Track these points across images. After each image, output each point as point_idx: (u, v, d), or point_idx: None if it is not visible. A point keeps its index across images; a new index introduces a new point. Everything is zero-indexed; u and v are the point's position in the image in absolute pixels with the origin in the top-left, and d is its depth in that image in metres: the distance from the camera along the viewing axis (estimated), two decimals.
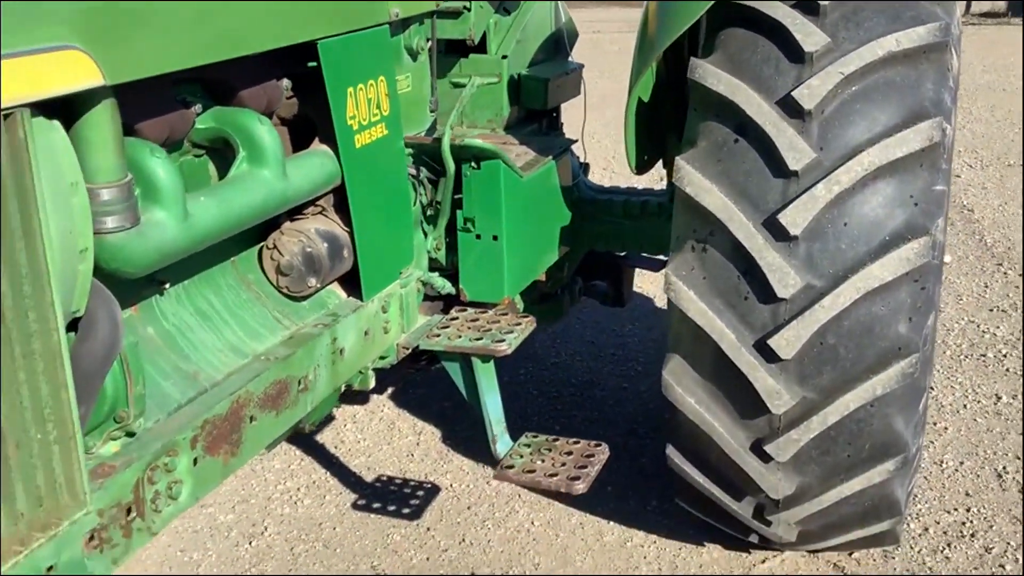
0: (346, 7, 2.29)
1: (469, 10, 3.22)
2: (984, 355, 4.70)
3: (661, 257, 4.12)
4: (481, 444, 4.04)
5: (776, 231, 2.59)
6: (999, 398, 4.29)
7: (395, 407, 4.38)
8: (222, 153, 2.20)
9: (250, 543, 3.46)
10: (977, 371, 4.54)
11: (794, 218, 2.56)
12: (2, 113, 1.35)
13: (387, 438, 4.14)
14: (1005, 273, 5.72)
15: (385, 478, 3.84)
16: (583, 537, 3.45)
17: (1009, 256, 5.98)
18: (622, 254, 4.05)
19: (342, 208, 2.43)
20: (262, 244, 2.39)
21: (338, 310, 2.46)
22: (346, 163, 2.36)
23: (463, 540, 3.45)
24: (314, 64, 2.25)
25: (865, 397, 2.64)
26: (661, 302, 5.47)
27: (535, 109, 3.51)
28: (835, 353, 2.62)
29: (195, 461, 1.91)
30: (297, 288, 2.38)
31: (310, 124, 2.43)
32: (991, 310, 5.20)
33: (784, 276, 2.58)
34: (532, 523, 3.53)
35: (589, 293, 4.08)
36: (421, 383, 4.49)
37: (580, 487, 2.71)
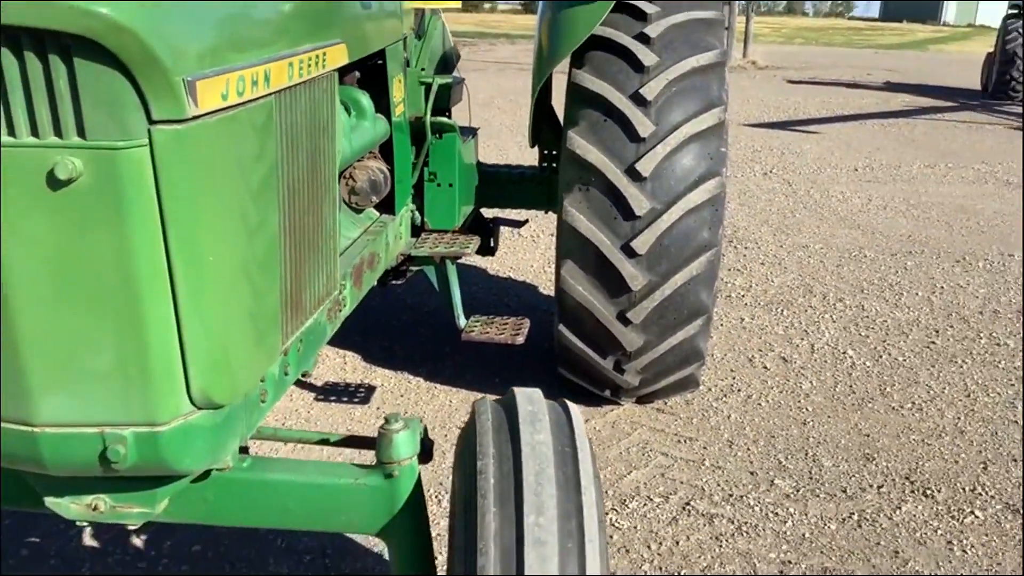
0: (395, 27, 3.65)
1: (407, 36, 4.62)
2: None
3: (519, 219, 5.67)
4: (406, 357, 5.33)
5: (633, 175, 4.09)
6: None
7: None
8: None
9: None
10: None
11: (644, 166, 4.08)
12: (328, 72, 2.66)
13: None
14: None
15: (329, 384, 5.13)
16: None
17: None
18: (491, 216, 5.52)
19: (384, 154, 3.77)
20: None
21: (382, 220, 3.79)
22: (394, 126, 3.71)
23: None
24: (377, 62, 3.58)
25: (686, 277, 4.17)
26: (492, 270, 7.02)
27: (440, 107, 4.93)
28: (668, 250, 4.14)
29: (350, 287, 3.21)
30: (363, 203, 3.64)
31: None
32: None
33: (639, 202, 4.11)
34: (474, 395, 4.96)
35: None
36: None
37: (520, 339, 4.15)
